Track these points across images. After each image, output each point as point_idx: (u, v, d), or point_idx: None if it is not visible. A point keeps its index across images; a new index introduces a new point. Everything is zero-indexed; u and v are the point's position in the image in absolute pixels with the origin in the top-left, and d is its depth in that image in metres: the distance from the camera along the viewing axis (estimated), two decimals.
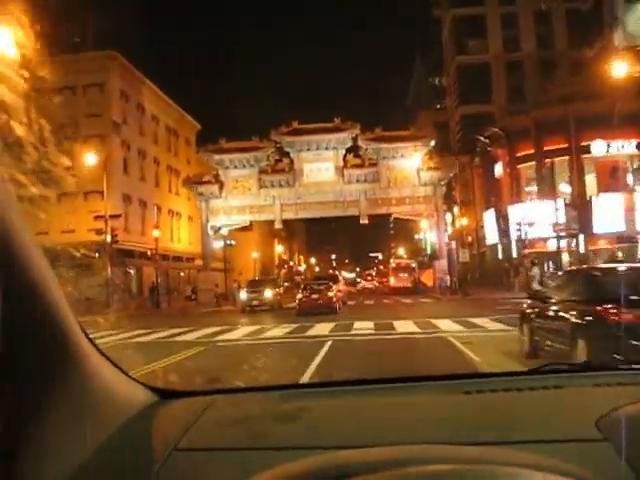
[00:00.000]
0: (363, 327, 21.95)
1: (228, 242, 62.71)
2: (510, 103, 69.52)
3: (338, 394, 2.37)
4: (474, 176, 59.29)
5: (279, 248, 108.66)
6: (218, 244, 60.97)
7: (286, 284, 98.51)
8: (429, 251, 71.00)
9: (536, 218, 44.13)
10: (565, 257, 46.55)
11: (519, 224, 42.74)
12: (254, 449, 1.67)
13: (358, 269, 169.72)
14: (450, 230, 57.18)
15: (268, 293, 38.44)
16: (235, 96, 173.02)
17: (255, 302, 37.70)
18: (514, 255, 50.41)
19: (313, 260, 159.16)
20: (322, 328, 22.19)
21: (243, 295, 39.15)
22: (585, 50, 57.74)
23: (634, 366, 2.49)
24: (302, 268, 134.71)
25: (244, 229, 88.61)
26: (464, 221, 47.68)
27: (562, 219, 45.33)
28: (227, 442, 1.78)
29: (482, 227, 57.20)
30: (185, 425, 1.86)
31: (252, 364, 12.95)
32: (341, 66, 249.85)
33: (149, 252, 47.62)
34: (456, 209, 62.83)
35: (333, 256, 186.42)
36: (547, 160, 48.57)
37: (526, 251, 43.52)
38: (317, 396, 2.38)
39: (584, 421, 1.70)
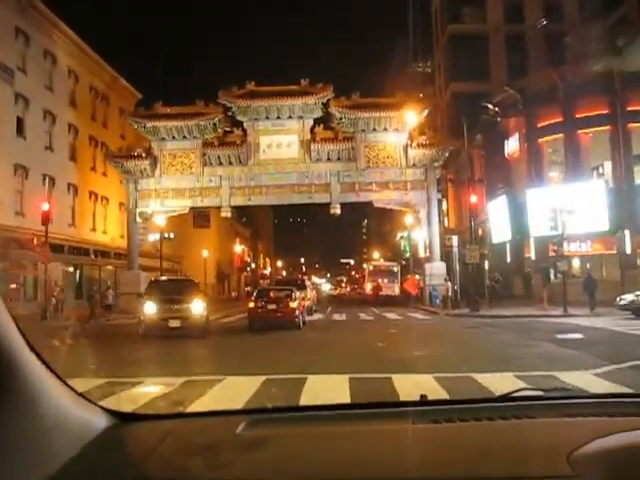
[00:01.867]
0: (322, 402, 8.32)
1: (166, 235, 50.04)
2: (510, 82, 57.90)
3: (308, 420, 2.24)
4: (474, 157, 46.78)
5: (240, 248, 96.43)
6: (154, 237, 48.29)
7: (248, 288, 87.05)
8: (410, 253, 58.80)
9: (573, 206, 32.03)
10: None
11: (554, 212, 30.47)
12: None
13: (329, 275, 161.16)
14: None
15: (197, 307, 22.21)
16: (189, 64, 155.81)
17: (174, 323, 21.39)
18: (532, 257, 38.35)
19: (280, 263, 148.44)
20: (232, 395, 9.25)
21: (149, 309, 21.78)
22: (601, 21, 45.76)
23: (605, 394, 2.42)
24: (267, 271, 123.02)
25: (200, 226, 76.84)
26: (473, 199, 34.73)
27: (604, 207, 33.35)
28: (188, 472, 1.72)
29: (484, 222, 44.81)
30: (145, 453, 1.79)
31: None
32: (315, 38, 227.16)
33: (35, 240, 34.43)
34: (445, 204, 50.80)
35: (302, 260, 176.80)
36: (580, 131, 36.55)
37: (566, 249, 31.35)
38: (287, 422, 2.21)
39: (555, 456, 1.64)
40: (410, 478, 1.54)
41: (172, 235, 52.18)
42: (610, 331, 19.42)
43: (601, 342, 16.36)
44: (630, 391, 9.23)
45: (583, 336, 17.91)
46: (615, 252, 33.36)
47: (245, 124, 45.01)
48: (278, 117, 44.66)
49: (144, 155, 44.73)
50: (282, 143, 44.53)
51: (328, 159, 44.32)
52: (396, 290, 53.25)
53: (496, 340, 18.18)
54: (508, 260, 42.60)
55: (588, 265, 35.95)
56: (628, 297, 26.16)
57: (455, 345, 16.77)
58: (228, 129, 45.68)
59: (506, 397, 2.30)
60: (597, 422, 1.93)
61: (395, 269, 56.09)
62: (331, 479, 1.52)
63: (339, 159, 44.31)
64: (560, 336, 17.65)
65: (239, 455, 1.80)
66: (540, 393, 2.44)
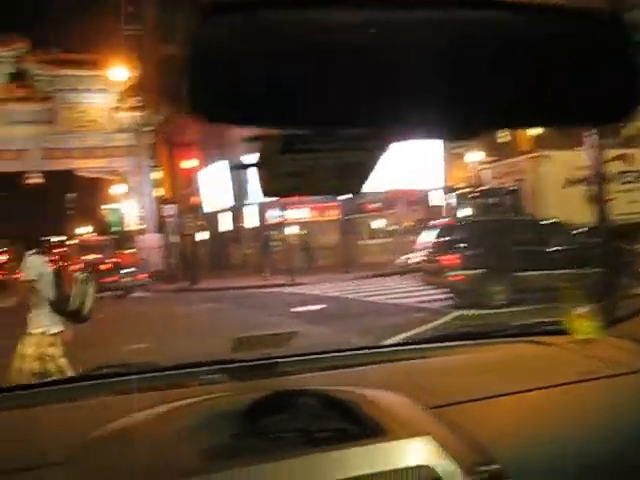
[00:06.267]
0: None
1: None
2: None
3: None
4: (191, 122, 43.95)
5: None
6: None
7: None
8: (120, 226, 54.93)
9: None
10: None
11: None
12: None
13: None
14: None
15: None
16: None
17: None
18: (248, 225, 36.80)
19: None
20: None
21: None
22: None
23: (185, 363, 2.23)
24: None
25: None
26: (189, 166, 32.22)
27: None
28: None
29: (195, 192, 42.02)
30: None
31: None
32: None
33: None
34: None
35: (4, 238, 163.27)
36: None
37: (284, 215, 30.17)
38: None
39: (58, 441, 1.56)
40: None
41: None
42: (347, 299, 18.10)
43: (345, 314, 14.69)
44: None
45: (324, 306, 16.21)
46: (337, 218, 33.00)
47: None
48: None
49: None
50: None
51: (24, 122, 39.02)
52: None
53: (225, 322, 15.53)
54: (222, 229, 40.83)
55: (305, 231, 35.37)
56: None
57: (176, 336, 13.41)
58: None
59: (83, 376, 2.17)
60: (158, 395, 1.86)
61: (107, 244, 52.12)
62: None
63: (37, 122, 39.23)
64: (298, 309, 15.76)
65: None
66: (115, 370, 2.19)
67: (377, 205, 34.90)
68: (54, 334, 6.75)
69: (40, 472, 1.44)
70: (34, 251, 7.02)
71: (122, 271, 31.73)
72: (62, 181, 54.56)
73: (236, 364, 2.11)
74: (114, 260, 34.47)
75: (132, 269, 32.21)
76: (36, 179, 40.17)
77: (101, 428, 1.56)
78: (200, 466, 1.31)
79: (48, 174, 41.26)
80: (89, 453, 1.45)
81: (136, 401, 1.77)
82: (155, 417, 1.60)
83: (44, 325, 6.67)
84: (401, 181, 31.63)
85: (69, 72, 39.11)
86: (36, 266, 6.79)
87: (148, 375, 2.17)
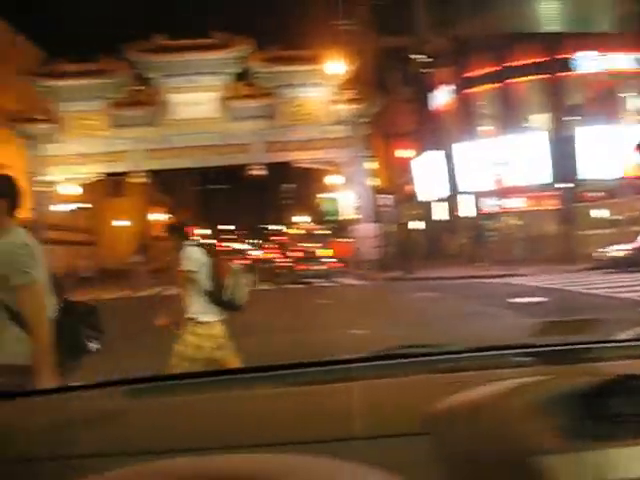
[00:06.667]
0: None
1: (80, 205, 46.56)
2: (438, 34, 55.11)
3: (180, 389, 2.02)
4: (404, 112, 44.27)
5: (160, 217, 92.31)
6: (65, 208, 44.61)
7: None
8: (336, 216, 56.25)
9: (509, 159, 30.29)
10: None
11: (488, 166, 28.60)
12: (64, 458, 1.52)
13: (259, 240, 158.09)
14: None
15: None
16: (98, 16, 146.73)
17: None
18: (463, 214, 36.33)
19: (204, 232, 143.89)
20: None
21: None
22: None
23: (487, 346, 2.20)
24: None
25: (115, 194, 72.68)
26: (404, 155, 32.56)
27: (547, 160, 31.49)
28: (35, 452, 1.55)
29: (408, 181, 42.09)
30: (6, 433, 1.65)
31: None
32: None
33: None
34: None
35: (226, 227, 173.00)
36: (513, 81, 34.55)
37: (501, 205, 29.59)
38: (159, 392, 1.98)
39: (411, 413, 1.59)
40: (270, 442, 1.47)
41: (87, 205, 48.69)
42: (568, 292, 17.39)
43: (566, 307, 14.13)
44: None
45: (545, 299, 15.67)
46: (555, 208, 31.88)
47: (156, 81, 41.62)
48: (192, 73, 41.30)
49: (45, 117, 40.92)
50: (197, 101, 41.30)
51: (248, 117, 41.25)
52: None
53: (444, 311, 15.62)
54: (437, 218, 40.52)
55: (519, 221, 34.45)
56: None
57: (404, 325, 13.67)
58: (138, 87, 42.23)
59: (386, 355, 2.16)
60: (465, 376, 1.83)
61: (325, 233, 53.84)
62: (179, 448, 1.41)
63: (259, 117, 41.34)
64: (517, 300, 15.41)
65: (93, 429, 1.65)
66: (420, 350, 2.22)
67: (599, 194, 33.24)
68: (208, 322, 6.97)
69: (398, 440, 1.50)
70: (192, 242, 7.23)
71: (322, 259, 32.81)
72: (281, 172, 57.08)
73: (540, 348, 2.07)
74: (316, 250, 35.59)
75: (330, 258, 33.13)
76: (258, 171, 42.24)
77: (446, 401, 1.59)
78: (561, 445, 1.32)
79: (268, 166, 43.24)
80: (445, 424, 1.52)
81: (446, 380, 1.81)
82: (498, 394, 1.59)
83: (199, 313, 6.91)
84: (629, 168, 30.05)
85: (287, 68, 40.73)
86: (196, 257, 6.99)
87: (446, 356, 2.18)
